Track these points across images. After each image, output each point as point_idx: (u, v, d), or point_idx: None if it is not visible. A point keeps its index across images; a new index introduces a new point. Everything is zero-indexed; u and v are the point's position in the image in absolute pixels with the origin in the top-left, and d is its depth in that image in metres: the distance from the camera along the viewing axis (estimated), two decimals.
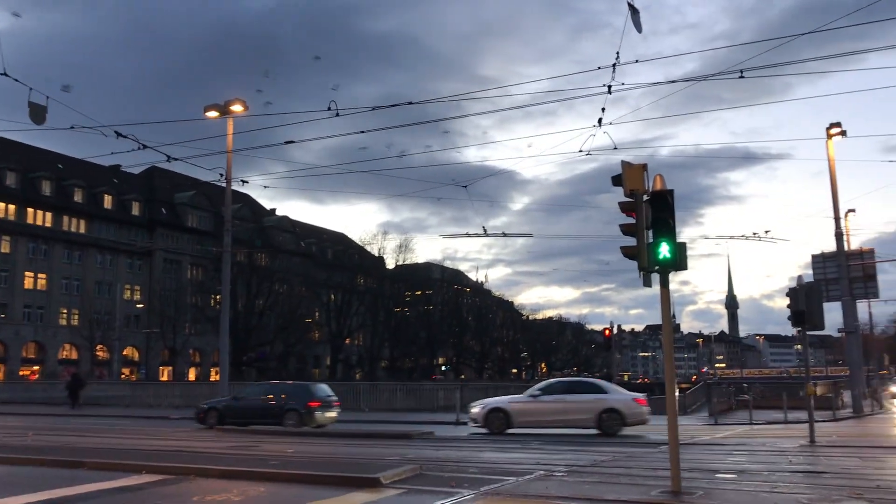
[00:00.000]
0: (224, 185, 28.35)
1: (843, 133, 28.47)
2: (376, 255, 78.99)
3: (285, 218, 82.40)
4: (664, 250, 9.89)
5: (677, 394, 14.31)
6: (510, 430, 20.73)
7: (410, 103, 16.06)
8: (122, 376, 67.06)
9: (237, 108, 26.79)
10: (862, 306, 41.42)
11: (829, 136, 28.89)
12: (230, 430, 22.39)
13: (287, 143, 18.55)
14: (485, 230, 25.30)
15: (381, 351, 78.97)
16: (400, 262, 79.74)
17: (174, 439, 18.90)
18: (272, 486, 10.47)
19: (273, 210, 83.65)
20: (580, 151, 19.04)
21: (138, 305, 72.82)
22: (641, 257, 10.03)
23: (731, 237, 36.24)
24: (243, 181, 27.76)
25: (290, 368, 66.88)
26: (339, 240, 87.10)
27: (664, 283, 10.13)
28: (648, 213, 10.08)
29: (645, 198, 10.13)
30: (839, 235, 29.32)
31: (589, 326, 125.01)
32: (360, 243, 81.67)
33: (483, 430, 20.91)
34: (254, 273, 62.06)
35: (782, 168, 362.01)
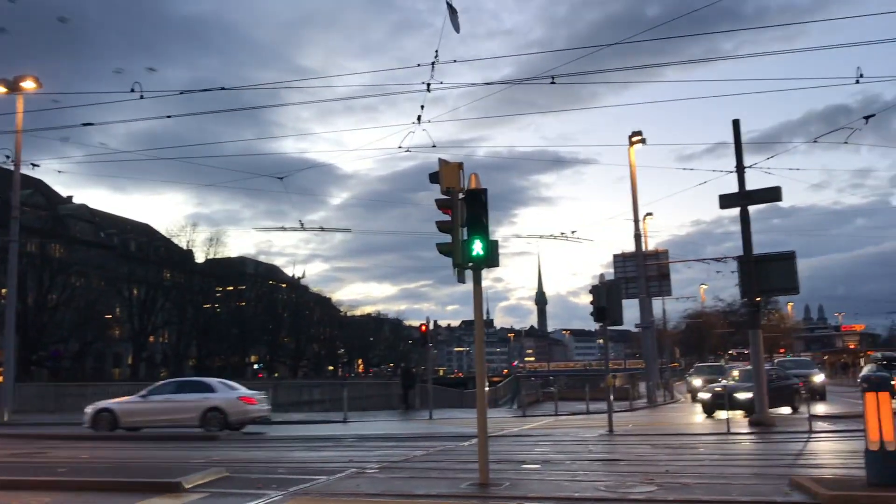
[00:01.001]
0: (11, 167, 25.96)
1: (643, 141, 30.51)
2: (184, 247, 75.28)
3: (83, 206, 76.45)
4: (477, 247, 10.07)
5: (488, 388, 14.68)
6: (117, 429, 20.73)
7: (223, 89, 15.37)
8: None
9: (28, 84, 24.61)
10: (657, 303, 44.63)
11: (631, 144, 30.88)
12: (14, 436, 20.57)
13: (85, 125, 17.19)
14: (301, 224, 24.79)
15: (189, 349, 75.51)
16: (210, 256, 76.45)
17: None
18: (60, 495, 9.61)
19: (70, 197, 77.53)
20: (399, 147, 19.22)
21: None
22: (456, 254, 10.19)
23: (541, 236, 37.88)
24: (34, 165, 25.62)
25: (86, 367, 62.34)
26: (144, 231, 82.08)
27: (477, 280, 10.33)
28: (463, 210, 10.24)
29: (460, 196, 10.28)
30: (638, 237, 31.38)
31: (407, 322, 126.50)
32: (166, 235, 77.38)
33: (91, 430, 20.67)
34: (46, 265, 57.06)
35: (589, 172, 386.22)
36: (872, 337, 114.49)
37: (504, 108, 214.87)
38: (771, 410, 22.17)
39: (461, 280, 10.40)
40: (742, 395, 22.31)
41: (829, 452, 13.50)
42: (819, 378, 29.81)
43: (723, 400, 22.47)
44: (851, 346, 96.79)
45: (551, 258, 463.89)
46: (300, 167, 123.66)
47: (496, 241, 10.34)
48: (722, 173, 23.03)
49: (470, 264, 10.17)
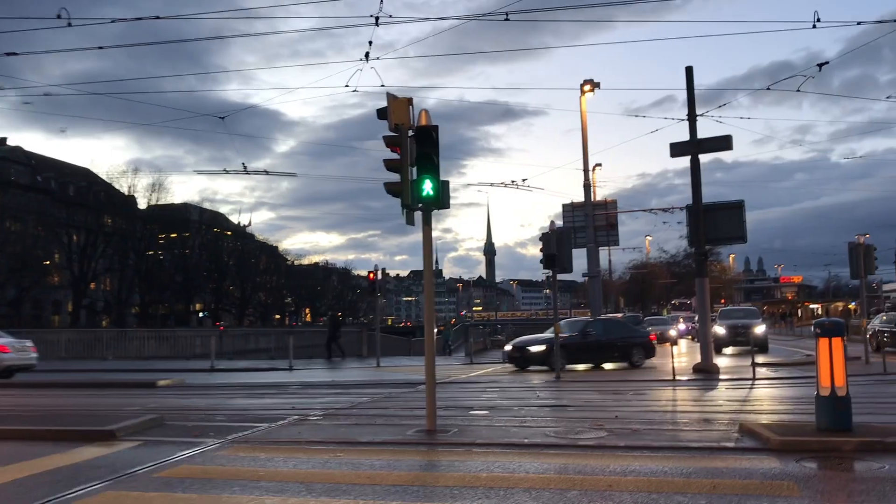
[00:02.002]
0: None
1: (597, 85, 30.01)
2: (126, 193, 72.97)
3: (18, 148, 73.48)
4: (428, 187, 9.61)
5: (437, 335, 14.43)
6: None
7: (157, 17, 14.43)
8: None
9: None
10: (603, 253, 44.75)
11: (583, 92, 30.44)
12: None
13: (9, 55, 16.01)
14: (245, 167, 23.86)
15: (132, 297, 73.85)
16: (153, 202, 74.31)
17: None
18: None
19: (3, 139, 74.39)
20: (346, 87, 18.55)
21: None
22: (405, 194, 9.71)
23: (492, 184, 37.47)
24: None
25: (23, 315, 60.53)
26: (83, 175, 79.01)
27: (427, 221, 9.89)
28: (413, 148, 9.74)
29: (410, 133, 9.78)
30: (587, 186, 31.21)
31: (355, 272, 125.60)
32: (107, 179, 74.68)
33: None
34: None
35: (538, 124, 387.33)
36: (810, 288, 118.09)
37: (454, 55, 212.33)
38: (607, 366, 22.31)
39: (410, 222, 9.96)
40: (535, 349, 22.30)
41: (774, 399, 13.61)
42: (761, 329, 29.96)
43: (519, 354, 22.59)
44: (790, 297, 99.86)
45: (500, 209, 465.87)
46: (243, 109, 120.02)
47: (447, 182, 9.88)
48: (673, 121, 22.87)
49: (420, 205, 9.72)
